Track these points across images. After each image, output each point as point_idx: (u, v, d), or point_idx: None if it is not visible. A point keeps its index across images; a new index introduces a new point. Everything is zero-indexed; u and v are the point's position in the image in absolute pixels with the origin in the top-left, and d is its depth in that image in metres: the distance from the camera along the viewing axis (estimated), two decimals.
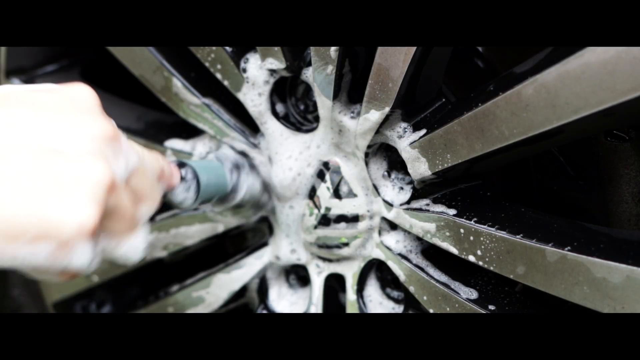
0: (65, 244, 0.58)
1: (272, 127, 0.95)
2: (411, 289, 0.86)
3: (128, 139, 0.71)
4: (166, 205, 0.84)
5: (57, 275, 0.64)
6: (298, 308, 1.02)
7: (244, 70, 0.93)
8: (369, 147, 0.86)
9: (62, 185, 0.59)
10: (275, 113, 0.95)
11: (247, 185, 0.93)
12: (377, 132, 0.84)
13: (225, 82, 0.95)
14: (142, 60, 1.00)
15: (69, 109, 0.65)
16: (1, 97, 0.63)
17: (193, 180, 0.84)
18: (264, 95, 0.94)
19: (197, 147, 1.03)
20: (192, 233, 1.05)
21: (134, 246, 0.69)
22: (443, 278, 0.84)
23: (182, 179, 0.83)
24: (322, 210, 0.92)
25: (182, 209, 0.86)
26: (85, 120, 0.64)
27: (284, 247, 0.99)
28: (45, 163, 0.59)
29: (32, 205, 0.57)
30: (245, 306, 1.09)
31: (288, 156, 0.95)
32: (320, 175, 0.92)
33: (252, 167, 0.96)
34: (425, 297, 0.85)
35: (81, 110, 0.65)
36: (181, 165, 0.84)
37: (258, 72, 0.93)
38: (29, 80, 1.14)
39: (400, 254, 0.87)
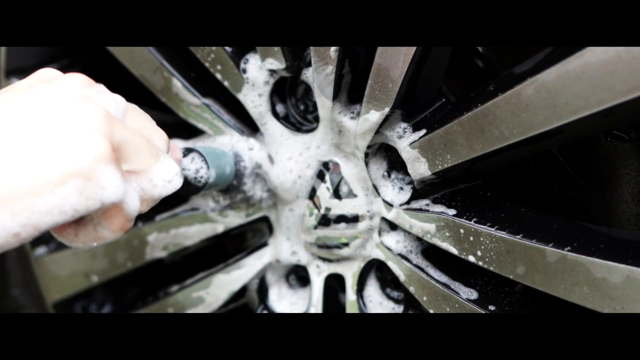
0: (88, 175, 0.61)
1: (272, 128, 0.95)
2: (411, 289, 0.86)
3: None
4: (192, 190, 0.85)
5: (113, 225, 0.67)
6: (298, 308, 1.02)
7: (244, 71, 0.93)
8: (368, 147, 0.86)
9: (62, 132, 0.62)
10: (275, 114, 0.95)
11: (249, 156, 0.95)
12: (377, 132, 0.84)
13: (226, 83, 0.95)
14: (142, 60, 1.00)
15: (36, 82, 0.69)
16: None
17: (197, 154, 0.85)
18: (264, 96, 0.94)
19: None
20: (192, 233, 1.05)
21: (167, 173, 0.71)
22: (443, 278, 0.84)
23: (184, 154, 0.85)
24: (322, 211, 0.92)
25: (202, 185, 0.86)
26: (56, 81, 0.69)
27: (284, 250, 0.99)
28: (38, 123, 0.62)
29: (43, 157, 0.60)
30: (245, 306, 1.09)
31: (288, 157, 0.95)
32: (320, 176, 0.92)
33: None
34: (425, 298, 0.85)
35: (48, 78, 0.70)
36: (189, 151, 0.86)
37: (258, 72, 0.93)
38: None
39: (400, 254, 0.87)
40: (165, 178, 0.71)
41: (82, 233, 0.67)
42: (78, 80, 0.69)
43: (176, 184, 0.72)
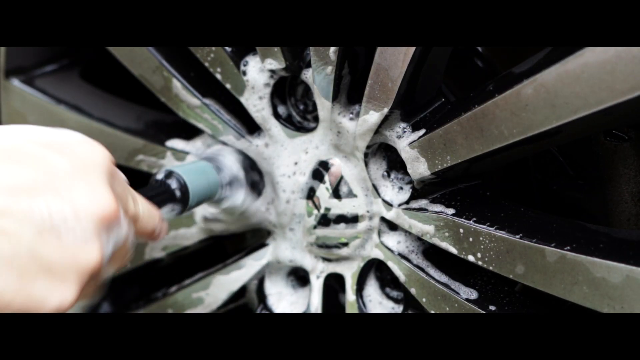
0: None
1: (276, 135, 0.95)
2: (412, 291, 0.86)
3: (133, 195, 0.73)
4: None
5: None
6: (298, 308, 1.02)
7: (244, 74, 0.93)
8: (368, 147, 0.86)
9: (54, 265, 0.59)
10: (278, 115, 0.95)
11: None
12: (377, 132, 0.83)
13: (228, 85, 0.95)
14: (142, 60, 1.00)
15: (75, 176, 0.63)
16: (6, 150, 0.61)
17: (178, 194, 0.86)
18: (265, 99, 0.94)
19: (198, 147, 1.03)
20: (192, 234, 1.05)
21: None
22: (443, 278, 0.84)
23: (165, 177, 0.86)
24: (322, 211, 0.92)
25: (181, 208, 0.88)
26: (88, 193, 0.63)
27: (287, 261, 1.00)
28: (41, 242, 0.59)
29: (19, 283, 0.58)
30: (245, 306, 1.08)
31: (281, 174, 0.95)
32: (319, 176, 0.92)
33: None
34: (424, 298, 0.85)
35: (87, 179, 0.64)
36: (168, 175, 0.86)
37: (258, 75, 0.93)
38: (28, 80, 1.14)
39: (400, 254, 0.87)
40: None
41: None
42: (101, 214, 0.63)
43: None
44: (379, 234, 0.90)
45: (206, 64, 0.95)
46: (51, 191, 0.60)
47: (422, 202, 0.84)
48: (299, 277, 1.05)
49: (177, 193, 0.86)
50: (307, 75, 0.90)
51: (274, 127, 0.95)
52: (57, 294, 0.60)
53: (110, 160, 0.69)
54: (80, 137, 0.68)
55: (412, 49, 0.76)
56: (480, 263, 0.77)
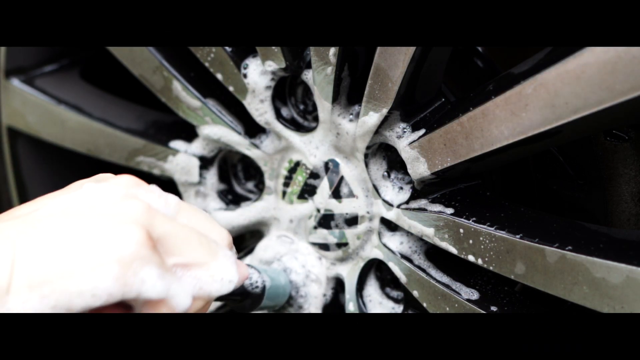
0: (123, 262, 0.61)
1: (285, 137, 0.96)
2: (415, 293, 0.86)
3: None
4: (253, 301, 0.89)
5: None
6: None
7: (245, 76, 0.93)
8: (368, 147, 0.86)
9: (100, 224, 0.62)
10: (281, 118, 0.95)
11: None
12: (376, 132, 0.83)
13: (231, 88, 0.95)
14: (142, 60, 1.00)
15: (86, 182, 0.69)
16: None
17: (259, 278, 0.88)
18: (266, 102, 0.94)
19: (198, 147, 1.02)
20: None
21: (227, 272, 0.70)
22: (445, 279, 0.84)
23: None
24: (322, 212, 0.92)
25: (260, 292, 0.89)
26: (105, 181, 0.69)
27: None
28: (79, 218, 0.63)
29: (78, 246, 0.61)
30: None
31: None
32: (319, 177, 0.92)
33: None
34: (425, 303, 0.85)
35: (99, 179, 0.70)
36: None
37: (259, 78, 0.92)
38: (28, 80, 1.14)
39: (402, 255, 0.87)
40: (225, 276, 0.69)
41: None
42: (125, 181, 0.69)
43: (228, 288, 0.71)
44: (380, 234, 0.90)
45: (206, 64, 0.95)
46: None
47: (422, 202, 0.84)
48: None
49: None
50: (308, 76, 0.90)
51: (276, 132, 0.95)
52: (121, 234, 0.62)
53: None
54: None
55: (412, 49, 0.76)
56: (480, 263, 0.77)
